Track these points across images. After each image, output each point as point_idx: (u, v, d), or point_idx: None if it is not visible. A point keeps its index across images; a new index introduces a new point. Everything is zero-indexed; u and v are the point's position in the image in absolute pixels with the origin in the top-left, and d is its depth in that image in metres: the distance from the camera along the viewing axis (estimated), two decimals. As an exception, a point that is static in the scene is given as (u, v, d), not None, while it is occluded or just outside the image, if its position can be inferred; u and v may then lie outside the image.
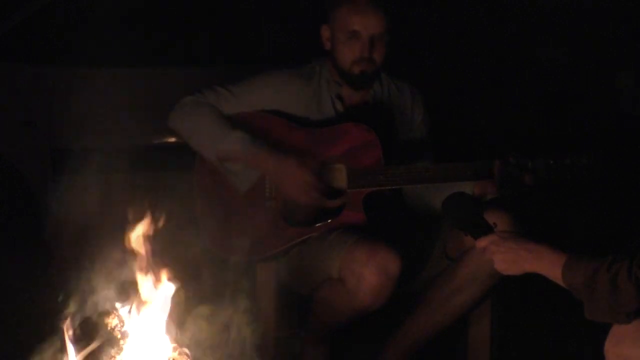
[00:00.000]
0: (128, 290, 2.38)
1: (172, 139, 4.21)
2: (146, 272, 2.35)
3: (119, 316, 2.35)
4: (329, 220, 2.98)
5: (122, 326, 2.33)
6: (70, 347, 2.28)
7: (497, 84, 4.95)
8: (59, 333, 2.29)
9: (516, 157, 2.88)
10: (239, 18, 4.59)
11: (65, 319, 2.30)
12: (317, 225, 2.98)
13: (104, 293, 2.37)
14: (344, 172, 2.98)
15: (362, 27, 2.99)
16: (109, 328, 2.32)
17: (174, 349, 2.35)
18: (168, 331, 2.36)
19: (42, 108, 4.25)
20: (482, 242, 2.42)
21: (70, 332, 2.28)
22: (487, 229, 2.43)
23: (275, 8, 4.63)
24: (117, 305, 2.37)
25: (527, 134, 4.83)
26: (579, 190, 3.30)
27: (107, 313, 2.35)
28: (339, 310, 2.88)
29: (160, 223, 2.39)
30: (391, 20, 3.03)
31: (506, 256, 2.36)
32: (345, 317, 2.90)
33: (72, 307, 2.33)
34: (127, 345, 2.32)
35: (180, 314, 2.39)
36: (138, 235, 2.36)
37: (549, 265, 2.26)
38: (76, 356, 2.27)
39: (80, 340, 2.29)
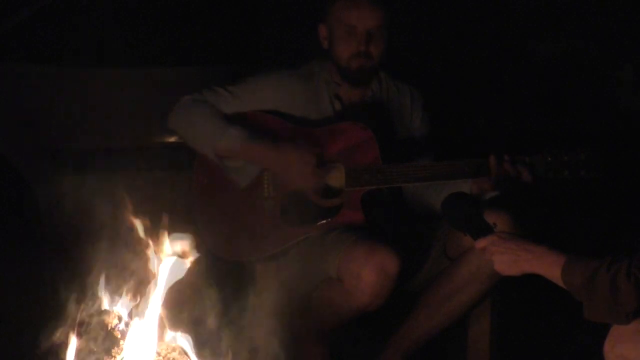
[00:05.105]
0: (128, 290, 2.38)
1: (172, 139, 4.20)
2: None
3: (119, 316, 2.35)
4: (328, 220, 2.98)
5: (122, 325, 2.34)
6: (72, 349, 2.28)
7: (495, 81, 4.94)
8: (58, 333, 2.29)
9: (513, 153, 2.88)
10: (239, 18, 4.59)
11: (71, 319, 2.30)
12: (315, 224, 2.99)
13: (104, 293, 2.38)
14: (342, 171, 2.98)
15: (357, 21, 3.00)
16: (109, 328, 2.32)
17: (174, 349, 2.35)
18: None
19: (42, 108, 4.25)
20: (482, 243, 2.42)
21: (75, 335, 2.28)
22: (487, 230, 2.43)
23: (275, 8, 4.64)
24: (117, 304, 2.37)
25: (526, 131, 4.82)
26: (579, 189, 3.29)
27: (107, 313, 2.35)
28: (338, 309, 2.89)
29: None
30: (390, 16, 3.03)
31: (505, 257, 2.36)
32: (344, 317, 2.90)
33: (72, 307, 2.33)
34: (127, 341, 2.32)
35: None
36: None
37: (548, 265, 2.26)
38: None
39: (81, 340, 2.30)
